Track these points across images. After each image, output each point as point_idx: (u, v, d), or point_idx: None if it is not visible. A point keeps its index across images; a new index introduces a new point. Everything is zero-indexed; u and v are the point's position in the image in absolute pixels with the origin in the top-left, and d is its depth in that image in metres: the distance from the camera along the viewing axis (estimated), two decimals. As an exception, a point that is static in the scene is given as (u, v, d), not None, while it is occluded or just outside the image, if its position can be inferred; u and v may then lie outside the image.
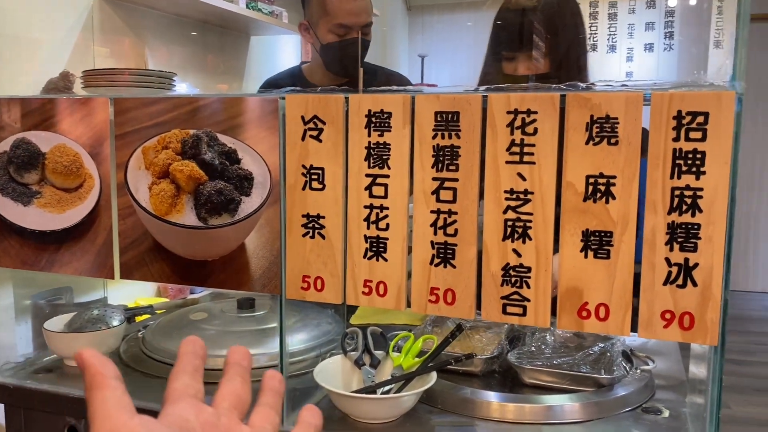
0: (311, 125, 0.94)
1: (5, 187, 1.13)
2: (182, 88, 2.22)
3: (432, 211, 0.90)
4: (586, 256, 0.83)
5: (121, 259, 1.09)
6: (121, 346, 1.37)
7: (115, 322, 1.33)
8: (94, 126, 1.07)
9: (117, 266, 1.09)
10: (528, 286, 0.86)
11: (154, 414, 0.39)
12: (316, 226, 0.96)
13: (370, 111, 0.91)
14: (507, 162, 0.85)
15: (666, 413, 1.10)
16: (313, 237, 0.96)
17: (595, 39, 5.25)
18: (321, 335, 1.35)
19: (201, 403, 0.41)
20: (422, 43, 5.26)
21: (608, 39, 5.32)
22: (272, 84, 1.99)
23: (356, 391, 1.06)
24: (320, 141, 0.94)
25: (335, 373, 1.13)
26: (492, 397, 1.10)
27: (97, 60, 1.85)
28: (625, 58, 5.21)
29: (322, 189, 0.95)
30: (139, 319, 1.64)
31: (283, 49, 3.28)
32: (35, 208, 1.12)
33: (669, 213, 0.79)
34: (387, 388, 1.08)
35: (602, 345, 1.25)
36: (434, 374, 1.08)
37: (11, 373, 1.24)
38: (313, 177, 0.95)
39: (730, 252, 0.79)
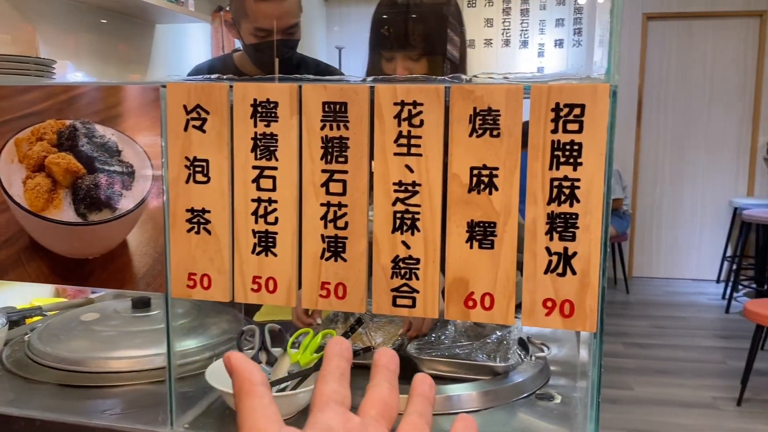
0: (194, 115, 0.90)
1: None
2: (77, 77, 2.10)
3: (322, 204, 0.88)
4: (471, 247, 0.84)
5: (-6, 259, 1.01)
6: (4, 350, 1.29)
7: (-5, 326, 1.24)
8: (-41, 116, 0.99)
9: (-11, 266, 1.01)
10: (417, 278, 0.86)
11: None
12: (202, 220, 0.92)
13: (255, 100, 0.88)
14: (395, 154, 0.85)
15: (558, 399, 1.13)
16: (198, 232, 0.93)
17: (508, 35, 5.39)
18: (220, 334, 1.32)
19: (348, 411, 0.39)
20: (340, 35, 5.24)
21: (520, 35, 5.47)
22: (201, 71, 1.92)
23: (251, 390, 1.03)
24: (204, 131, 0.91)
25: (230, 372, 1.10)
26: (390, 389, 1.10)
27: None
28: (536, 54, 5.38)
29: (207, 182, 0.91)
30: (29, 321, 1.55)
31: (192, 38, 3.18)
32: None
33: (549, 203, 0.81)
34: (283, 386, 1.06)
35: (500, 333, 1.27)
36: (331, 369, 1.06)
37: None
38: (197, 169, 0.91)
39: (606, 241, 0.81)
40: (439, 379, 1.17)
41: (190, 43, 3.15)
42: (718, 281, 5.66)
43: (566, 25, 5.28)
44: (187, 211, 0.93)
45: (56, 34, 2.09)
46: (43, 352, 1.23)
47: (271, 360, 1.12)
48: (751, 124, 5.65)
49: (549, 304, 0.83)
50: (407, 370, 1.23)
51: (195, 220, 0.93)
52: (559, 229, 0.81)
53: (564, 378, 1.23)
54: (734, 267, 5.10)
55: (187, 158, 0.92)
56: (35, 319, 1.55)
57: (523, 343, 1.27)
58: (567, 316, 0.82)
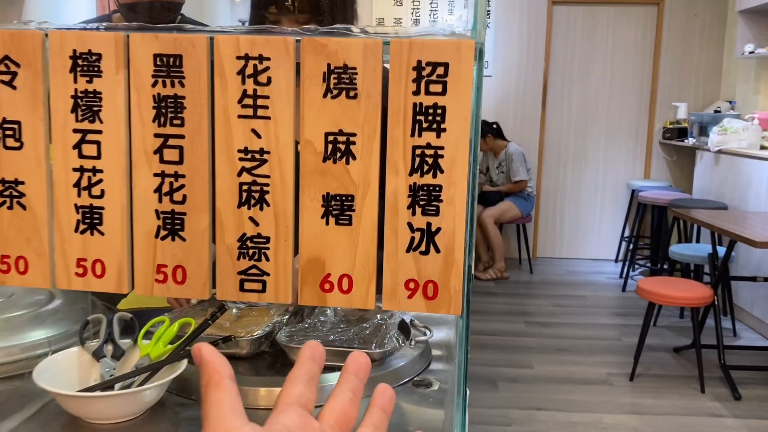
0: (2, 68, 0.76)
1: None
2: None
3: (155, 174, 0.76)
4: (327, 223, 0.74)
5: None
6: None
7: None
8: None
9: None
10: (267, 259, 0.76)
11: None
12: (15, 194, 0.78)
13: (75, 51, 0.75)
14: (239, 116, 0.74)
15: (436, 385, 1.07)
16: (11, 207, 0.78)
17: (417, 14, 5.33)
18: (71, 325, 1.17)
19: (309, 415, 0.40)
20: (244, 8, 5.01)
21: (430, 14, 5.42)
22: None
23: (88, 389, 0.91)
24: (14, 88, 0.76)
25: (68, 370, 0.96)
26: (253, 382, 1.00)
27: None
28: (447, 12, 5.35)
29: (20, 148, 0.77)
30: None
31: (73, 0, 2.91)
32: None
33: (410, 174, 0.72)
34: (129, 381, 0.94)
35: (380, 317, 1.19)
36: (183, 363, 0.95)
37: None
38: (8, 133, 0.77)
39: (473, 215, 0.74)
40: (313, 369, 1.08)
41: (70, 5, 2.88)
42: (616, 261, 5.88)
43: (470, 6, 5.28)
44: (-3, 182, 0.78)
45: None
46: None
47: (117, 353, 0.99)
48: (648, 108, 5.88)
49: (411, 285, 0.75)
50: (278, 360, 1.13)
51: (7, 193, 0.78)
52: (422, 203, 0.73)
53: (445, 362, 1.16)
54: (631, 247, 5.31)
55: (-7, 119, 0.77)
56: None
57: (405, 327, 1.20)
58: (430, 298, 0.75)
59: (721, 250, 3.59)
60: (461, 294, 0.74)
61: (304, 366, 0.43)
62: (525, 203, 5.39)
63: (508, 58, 5.66)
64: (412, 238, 0.74)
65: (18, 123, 0.77)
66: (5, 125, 0.77)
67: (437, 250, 0.74)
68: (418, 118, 0.72)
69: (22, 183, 0.78)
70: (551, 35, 5.77)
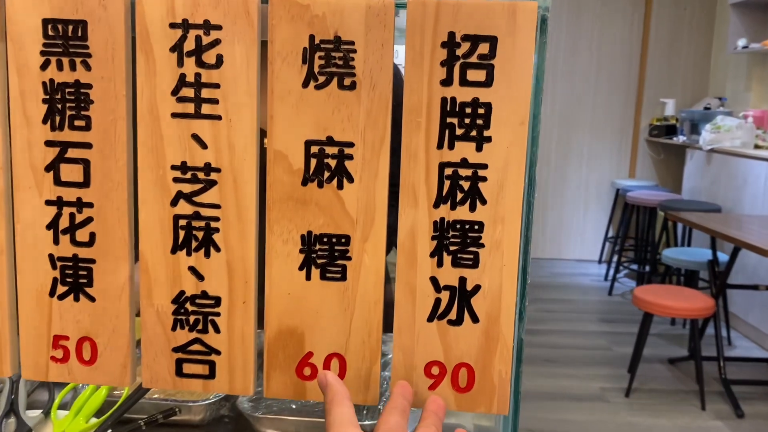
0: None
1: None
2: None
3: (49, 202, 0.50)
4: (308, 277, 0.49)
5: None
6: None
7: None
8: None
9: None
10: (216, 330, 0.51)
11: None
12: None
13: None
14: (174, 115, 0.48)
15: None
16: None
17: None
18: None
19: None
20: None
21: None
22: None
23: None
24: None
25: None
26: (207, 468, 0.74)
27: None
28: None
29: None
30: None
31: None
32: None
33: (436, 205, 0.48)
34: (31, 477, 0.68)
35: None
36: (111, 448, 0.69)
37: None
38: None
39: (527, 266, 0.49)
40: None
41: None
42: (600, 262, 5.71)
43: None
44: None
45: None
46: None
47: (22, 430, 0.73)
48: (634, 106, 5.71)
49: (435, 370, 0.50)
50: (238, 426, 0.89)
51: None
52: (452, 248, 0.48)
53: None
54: (616, 248, 5.13)
55: None
56: None
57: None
58: (463, 389, 0.50)
59: (721, 256, 3.40)
60: (509, 384, 0.50)
61: (397, 400, 0.47)
62: (509, 203, 5.19)
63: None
64: (438, 301, 0.49)
65: None
66: None
67: (474, 319, 0.49)
68: (449, 120, 0.47)
69: None
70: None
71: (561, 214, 5.89)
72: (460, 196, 0.48)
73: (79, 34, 0.48)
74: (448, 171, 0.47)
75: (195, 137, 0.49)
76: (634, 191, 5.03)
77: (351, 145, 0.48)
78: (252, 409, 0.82)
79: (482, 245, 0.48)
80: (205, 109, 0.48)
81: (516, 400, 0.51)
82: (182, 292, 0.50)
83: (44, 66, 0.49)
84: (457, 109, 0.47)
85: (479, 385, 0.50)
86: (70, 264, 0.51)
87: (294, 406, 0.84)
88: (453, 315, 0.49)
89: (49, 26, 0.48)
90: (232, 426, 0.87)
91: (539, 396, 3.17)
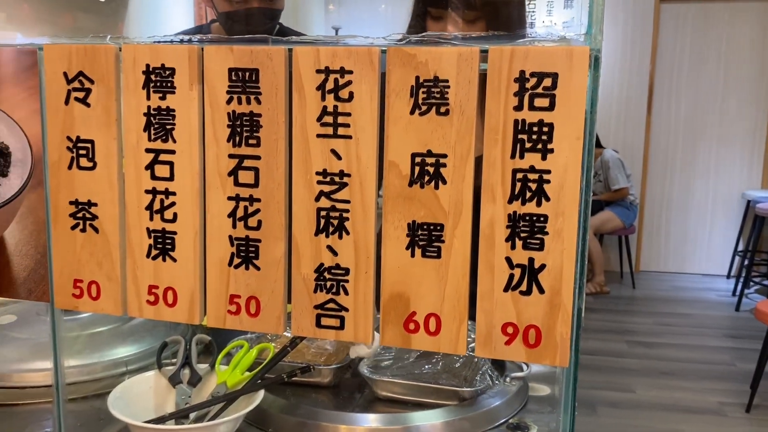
0: (76, 84, 0.73)
1: None
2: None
3: (230, 198, 0.70)
4: (413, 255, 0.66)
5: None
6: None
7: None
8: None
9: None
10: (346, 292, 0.68)
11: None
12: (87, 215, 0.75)
13: (148, 66, 0.70)
14: (318, 135, 0.67)
15: (534, 429, 0.96)
16: (84, 230, 0.75)
17: (513, 16, 5.15)
18: (151, 342, 1.15)
19: None
20: (337, 15, 5.03)
21: (528, 15, 5.23)
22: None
23: (161, 419, 0.86)
24: (88, 105, 0.73)
25: (144, 395, 0.93)
26: (333, 418, 0.93)
27: None
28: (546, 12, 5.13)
29: (93, 168, 0.74)
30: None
31: (174, 9, 2.99)
32: None
33: (510, 201, 0.63)
34: (204, 411, 0.89)
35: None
36: (261, 393, 0.89)
37: None
38: (81, 152, 0.74)
39: (584, 250, 0.63)
40: (398, 405, 1.00)
41: (170, 13, 2.96)
42: (728, 277, 5.44)
43: (575, 6, 5.05)
44: (71, 203, 0.75)
45: (10, 1, 1.91)
46: (-60, 363, 1.06)
47: (194, 379, 0.94)
48: (767, 112, 5.41)
49: (510, 329, 0.65)
50: (361, 391, 1.06)
51: (80, 214, 0.75)
52: (523, 235, 0.63)
53: (544, 402, 1.05)
54: (746, 262, 4.88)
55: (69, 138, 0.74)
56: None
57: (499, 360, 1.10)
58: (532, 345, 0.64)
59: None
60: (569, 342, 0.63)
61: None
62: (627, 213, 5.09)
63: (609, 59, 5.37)
64: (511, 276, 0.64)
65: (91, 142, 0.73)
66: (79, 144, 0.74)
67: (541, 291, 0.63)
68: (520, 137, 0.62)
69: (95, 205, 0.74)
70: (658, 34, 5.43)
71: (685, 225, 5.67)
72: (528, 194, 0.62)
73: (254, 78, 0.68)
74: (519, 175, 0.62)
75: (333, 151, 0.67)
76: (766, 203, 4.77)
77: (445, 156, 0.64)
78: (371, 373, 1.00)
79: (546, 233, 0.62)
80: (340, 131, 0.66)
81: (576, 357, 0.64)
82: (321, 264, 0.69)
83: (229, 101, 0.69)
84: (526, 128, 0.61)
85: (545, 342, 0.64)
86: (243, 243, 0.71)
87: (411, 371, 1.00)
88: (524, 287, 0.64)
89: (233, 73, 0.68)
90: (354, 388, 1.05)
91: (650, 406, 3.14)
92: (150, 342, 1.15)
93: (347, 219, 0.67)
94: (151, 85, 0.70)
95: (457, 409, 0.97)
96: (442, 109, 0.63)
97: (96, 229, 0.75)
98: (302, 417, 0.93)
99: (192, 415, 0.88)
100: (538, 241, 0.63)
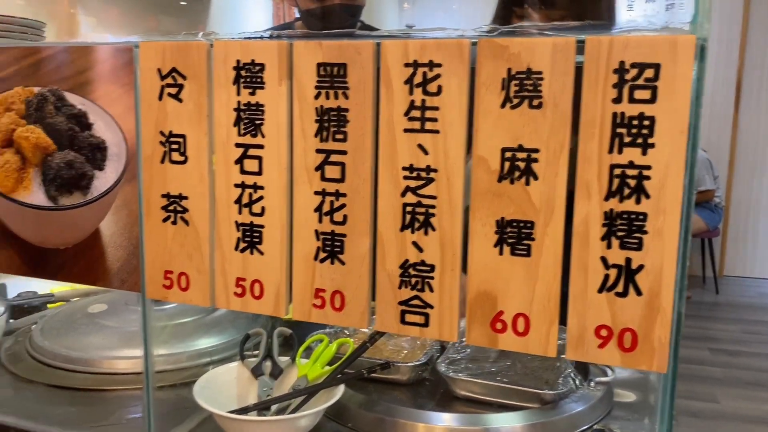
0: (169, 80, 0.75)
1: None
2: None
3: (316, 192, 0.71)
4: (501, 253, 0.64)
5: (-35, 245, 0.90)
6: (6, 341, 1.19)
7: (-8, 316, 1.15)
8: (-72, 83, 0.88)
9: (-40, 254, 0.90)
10: (431, 289, 0.67)
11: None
12: (179, 208, 0.77)
13: (238, 62, 0.71)
14: (405, 130, 0.66)
15: (620, 437, 0.92)
16: (175, 222, 0.77)
17: None
18: (237, 334, 1.17)
19: None
20: (411, 13, 5.03)
21: None
22: None
23: (244, 409, 0.88)
24: (180, 101, 0.75)
25: (228, 386, 0.95)
26: (412, 416, 0.92)
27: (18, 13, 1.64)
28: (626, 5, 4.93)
29: (184, 162, 0.75)
30: (51, 306, 1.46)
31: (252, 12, 3.06)
32: None
33: (606, 198, 0.60)
34: (285, 404, 0.90)
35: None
36: (341, 388, 0.89)
37: None
38: (173, 147, 0.76)
39: (686, 251, 0.59)
40: (476, 404, 0.98)
41: (250, 16, 3.03)
42: (824, 284, 5.11)
43: None
44: (163, 196, 0.77)
45: (98, 4, 2.00)
46: (40, 347, 1.12)
47: (275, 371, 0.96)
48: None
49: (603, 332, 0.62)
50: (438, 390, 1.05)
51: (171, 207, 0.77)
52: (620, 234, 0.60)
53: (630, 409, 1.01)
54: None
55: (162, 133, 0.76)
56: (59, 304, 1.46)
57: (583, 364, 1.06)
58: (627, 349, 0.61)
59: None
60: (667, 348, 0.60)
61: None
62: (711, 215, 4.85)
63: (694, 55, 5.12)
64: (606, 276, 0.61)
65: (183, 137, 0.75)
66: (171, 139, 0.76)
67: (638, 292, 0.60)
68: (618, 131, 0.59)
69: (186, 198, 0.76)
70: (747, 28, 5.15)
71: (775, 229, 5.36)
72: (627, 191, 0.59)
73: (342, 73, 0.68)
74: (617, 171, 0.59)
75: (420, 146, 0.66)
76: None
77: (537, 150, 0.62)
78: (450, 372, 0.99)
79: (646, 232, 0.59)
80: (428, 125, 0.65)
81: (674, 363, 0.61)
82: (407, 260, 0.68)
83: (317, 96, 0.69)
84: (625, 122, 0.59)
85: (641, 347, 0.61)
86: (329, 237, 0.71)
87: (491, 369, 0.99)
88: (620, 288, 0.61)
89: (321, 68, 0.68)
90: (432, 387, 1.04)
91: (735, 418, 2.98)
92: (231, 334, 1.18)
93: (433, 215, 0.66)
94: (241, 80, 0.72)
95: (539, 412, 0.94)
96: (535, 102, 0.61)
97: (186, 222, 0.76)
98: (381, 413, 0.92)
99: (274, 407, 0.89)
100: (636, 241, 0.60)
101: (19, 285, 1.53)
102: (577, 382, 0.99)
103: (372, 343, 0.98)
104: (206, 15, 2.70)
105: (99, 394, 1.03)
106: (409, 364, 1.01)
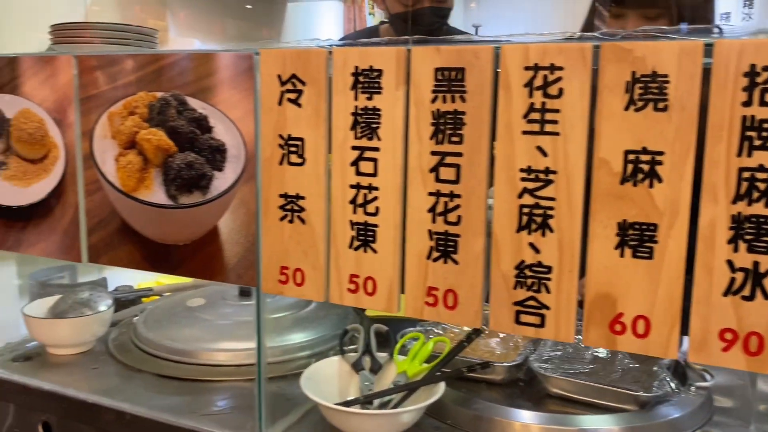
0: (289, 86, 0.78)
1: (-30, 157, 1.02)
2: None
3: (430, 194, 0.73)
4: (622, 255, 0.65)
5: (89, 241, 0.96)
6: (112, 332, 1.26)
7: (102, 307, 1.22)
8: (58, 88, 0.94)
9: (84, 248, 0.97)
10: (548, 290, 0.68)
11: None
12: (296, 208, 0.80)
13: (357, 68, 0.74)
14: (524, 132, 0.67)
15: (723, 443, 0.91)
16: (292, 221, 0.80)
17: None
18: (327, 329, 1.21)
19: None
20: (477, 13, 5.01)
21: None
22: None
23: (348, 402, 0.91)
24: (299, 105, 0.78)
25: (330, 379, 0.98)
26: (510, 414, 0.93)
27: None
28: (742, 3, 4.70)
29: (302, 164, 0.79)
30: (146, 300, 1.54)
31: (324, 19, 3.12)
32: (1, 180, 1.01)
33: (734, 202, 0.60)
34: (386, 398, 0.92)
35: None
36: (442, 385, 0.91)
37: (-13, 360, 1.14)
38: (292, 149, 0.79)
39: (819, 255, 0.59)
40: (571, 403, 0.98)
41: (320, 22, 3.09)
42: None
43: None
44: (281, 196, 0.81)
45: (182, 11, 2.08)
46: (146, 338, 1.18)
47: (375, 367, 0.99)
48: None
49: (728, 336, 0.62)
50: (532, 389, 1.05)
51: (288, 207, 0.81)
52: (748, 237, 0.60)
53: (732, 415, 0.99)
54: None
55: (281, 136, 0.80)
56: (153, 298, 1.54)
57: (680, 368, 1.05)
58: (753, 353, 0.61)
59: None
60: (797, 353, 0.59)
61: None
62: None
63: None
64: (732, 280, 0.61)
65: (301, 139, 0.78)
66: (290, 141, 0.79)
67: (766, 296, 0.60)
68: (748, 134, 0.59)
69: (303, 198, 0.79)
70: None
71: None
72: (756, 195, 0.59)
73: (459, 77, 0.69)
74: (746, 174, 0.59)
75: (539, 148, 0.67)
76: None
77: (661, 153, 0.62)
78: (544, 369, 0.99)
79: (775, 235, 0.59)
80: (548, 127, 0.66)
81: (803, 369, 0.60)
82: (522, 261, 0.69)
83: (434, 100, 0.71)
84: (755, 125, 0.58)
85: (768, 351, 0.60)
86: (442, 237, 0.73)
87: (585, 370, 0.99)
88: (746, 292, 0.60)
89: (439, 72, 0.70)
90: (526, 387, 1.04)
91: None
92: (321, 330, 1.21)
93: (551, 216, 0.67)
94: (359, 86, 0.74)
95: (636, 415, 0.93)
96: (660, 105, 0.61)
97: (303, 221, 0.80)
98: (478, 411, 0.94)
99: (376, 401, 0.91)
100: (765, 245, 0.59)
101: (115, 279, 1.61)
102: (673, 386, 0.98)
103: (469, 342, 0.99)
104: (282, 19, 2.77)
105: (202, 384, 1.08)
106: (505, 364, 1.02)
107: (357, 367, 0.98)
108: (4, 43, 1.50)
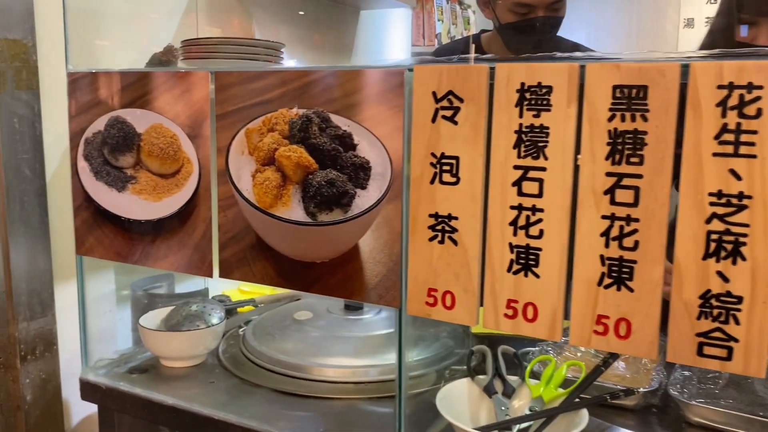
0: (445, 103, 0.76)
1: (99, 170, 1.03)
2: (290, 65, 2.09)
3: (604, 217, 0.69)
4: (828, 287, 0.60)
5: (221, 256, 0.95)
6: (220, 345, 1.26)
7: (215, 320, 1.22)
8: (192, 104, 0.94)
9: (216, 263, 0.96)
10: (737, 322, 0.64)
11: None
12: (447, 228, 0.77)
13: (523, 85, 0.71)
14: (715, 154, 0.63)
15: None
16: (442, 242, 0.78)
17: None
18: (440, 348, 1.18)
19: None
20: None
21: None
22: (443, 52, 1.76)
23: (488, 427, 0.88)
24: (455, 123, 0.75)
25: (460, 400, 0.95)
26: (654, 444, 0.88)
27: (202, 34, 1.74)
28: None
29: (456, 183, 0.76)
30: (241, 311, 1.54)
31: (393, 25, 3.10)
32: (130, 194, 1.01)
33: None
34: (525, 425, 0.89)
35: None
36: (585, 414, 0.88)
37: (105, 371, 1.15)
38: (445, 168, 0.77)
39: None
40: (711, 432, 0.93)
41: (392, 31, 3.08)
42: None
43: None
44: (431, 216, 0.78)
45: (266, 22, 2.09)
46: (259, 351, 1.17)
47: (507, 391, 0.95)
48: None
49: None
50: (665, 415, 1.01)
51: (439, 227, 0.78)
52: None
53: None
54: None
55: (433, 154, 0.77)
56: (248, 309, 1.53)
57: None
58: None
59: None
60: None
61: None
62: None
63: None
64: None
65: (456, 158, 0.76)
66: (443, 160, 0.77)
67: None
68: None
69: (456, 218, 0.77)
70: None
71: None
72: None
73: (641, 95, 0.66)
74: None
75: (732, 171, 0.63)
76: None
77: None
78: (682, 395, 0.94)
79: None
80: (743, 150, 0.62)
81: None
82: (708, 291, 0.65)
83: (610, 119, 0.68)
84: None
85: None
86: (616, 263, 0.69)
87: (729, 401, 0.93)
88: None
89: (618, 90, 0.67)
90: (660, 414, 1.00)
91: None
92: (421, 351, 1.17)
93: (744, 244, 0.63)
94: (525, 103, 0.71)
95: (790, 449, 0.88)
96: None
97: (455, 242, 0.77)
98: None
99: (515, 428, 0.88)
100: None
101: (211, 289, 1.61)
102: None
103: (606, 367, 0.95)
104: (355, 28, 2.76)
105: (316, 402, 1.06)
106: (643, 389, 0.98)
107: (489, 390, 0.95)
108: (97, 59, 1.53)
